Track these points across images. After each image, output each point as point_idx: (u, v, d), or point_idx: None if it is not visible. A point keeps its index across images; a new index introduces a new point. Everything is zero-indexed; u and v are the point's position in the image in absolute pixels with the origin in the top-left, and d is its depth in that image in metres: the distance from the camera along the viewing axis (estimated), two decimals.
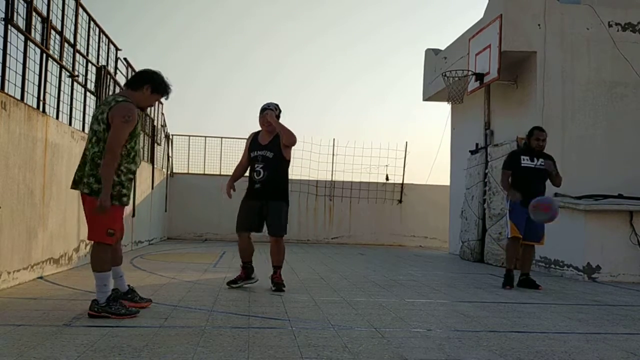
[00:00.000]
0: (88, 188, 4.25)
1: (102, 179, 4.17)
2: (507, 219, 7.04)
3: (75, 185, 4.42)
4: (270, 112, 6.07)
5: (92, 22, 8.37)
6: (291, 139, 6.05)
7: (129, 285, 4.70)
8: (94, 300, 4.25)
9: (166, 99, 4.68)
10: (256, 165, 6.07)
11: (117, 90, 9.51)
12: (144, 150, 12.00)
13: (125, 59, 10.41)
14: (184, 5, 34.27)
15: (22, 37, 6.03)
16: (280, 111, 6.21)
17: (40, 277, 6.29)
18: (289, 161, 6.19)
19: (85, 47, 8.22)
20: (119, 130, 4.22)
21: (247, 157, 6.25)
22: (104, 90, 8.67)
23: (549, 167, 6.90)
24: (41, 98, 6.46)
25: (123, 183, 4.32)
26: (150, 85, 4.49)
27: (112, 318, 4.15)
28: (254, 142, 6.21)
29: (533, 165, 6.99)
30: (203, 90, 32.72)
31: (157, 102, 8.82)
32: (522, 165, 7.00)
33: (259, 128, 6.23)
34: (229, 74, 33.05)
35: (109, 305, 4.21)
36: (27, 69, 6.10)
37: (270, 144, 6.09)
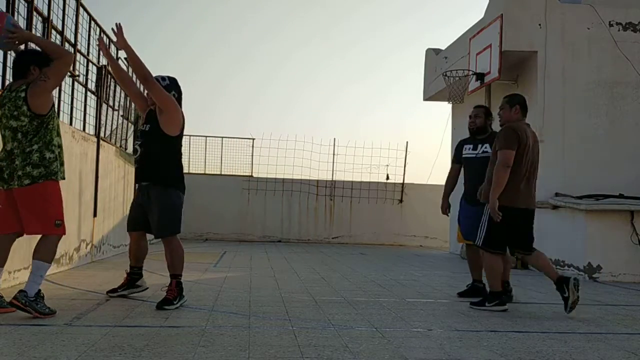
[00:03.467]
0: (28, 178, 4.11)
1: None
2: None
3: (6, 184, 4.17)
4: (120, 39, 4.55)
5: (92, 22, 8.38)
6: (152, 91, 4.57)
7: None
8: (23, 291, 4.05)
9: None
10: (135, 142, 4.96)
11: (118, 89, 9.51)
12: None
13: (125, 58, 10.39)
14: (184, 4, 34.29)
15: None
16: (169, 83, 4.78)
17: None
18: (175, 137, 4.78)
19: (86, 47, 8.24)
20: (53, 76, 4.16)
21: None
22: (104, 90, 8.68)
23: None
24: None
25: (58, 156, 4.27)
26: (34, 64, 4.20)
27: (33, 315, 3.99)
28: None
29: (475, 155, 5.89)
30: (204, 90, 32.74)
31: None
32: (463, 155, 5.98)
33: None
34: (230, 73, 33.09)
35: (37, 301, 4.06)
36: None
37: (150, 115, 4.83)
